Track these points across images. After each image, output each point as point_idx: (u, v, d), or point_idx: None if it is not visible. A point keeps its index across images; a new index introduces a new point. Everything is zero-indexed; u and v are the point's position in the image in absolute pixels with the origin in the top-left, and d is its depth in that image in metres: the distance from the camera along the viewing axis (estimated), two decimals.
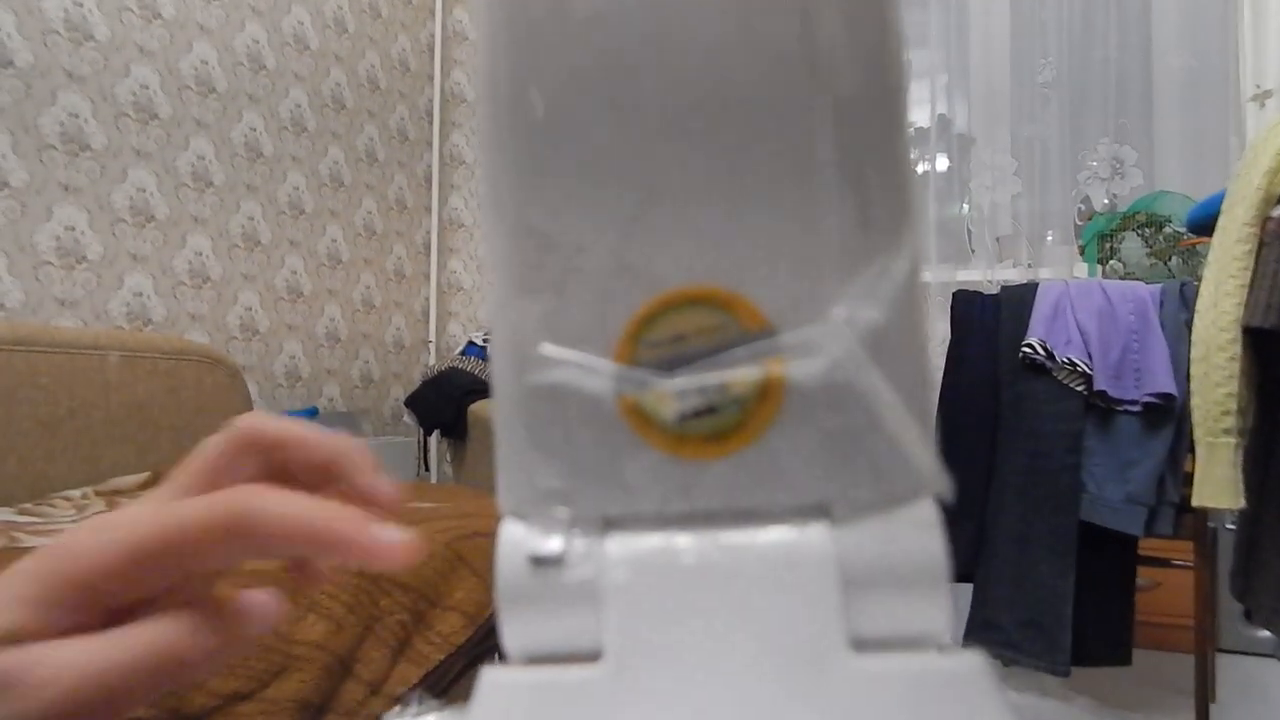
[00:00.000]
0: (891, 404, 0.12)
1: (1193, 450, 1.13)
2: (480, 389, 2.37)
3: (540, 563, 0.12)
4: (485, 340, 2.67)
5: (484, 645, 1.01)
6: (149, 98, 2.16)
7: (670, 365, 0.12)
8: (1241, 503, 1.06)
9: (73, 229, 1.98)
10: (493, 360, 0.13)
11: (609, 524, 0.12)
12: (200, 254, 2.31)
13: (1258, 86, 2.24)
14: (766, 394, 0.12)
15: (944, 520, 0.12)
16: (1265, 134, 1.07)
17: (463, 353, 2.70)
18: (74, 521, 1.22)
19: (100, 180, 2.04)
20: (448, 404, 2.31)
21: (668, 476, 0.12)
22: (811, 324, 0.12)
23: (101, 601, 0.21)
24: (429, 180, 3.32)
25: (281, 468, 0.25)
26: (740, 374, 0.12)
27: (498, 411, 0.13)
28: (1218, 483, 1.07)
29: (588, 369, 0.12)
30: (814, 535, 0.12)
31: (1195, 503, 1.11)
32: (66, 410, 1.53)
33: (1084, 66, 2.54)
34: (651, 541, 0.12)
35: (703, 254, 0.12)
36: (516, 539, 0.13)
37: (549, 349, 0.12)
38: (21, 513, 1.28)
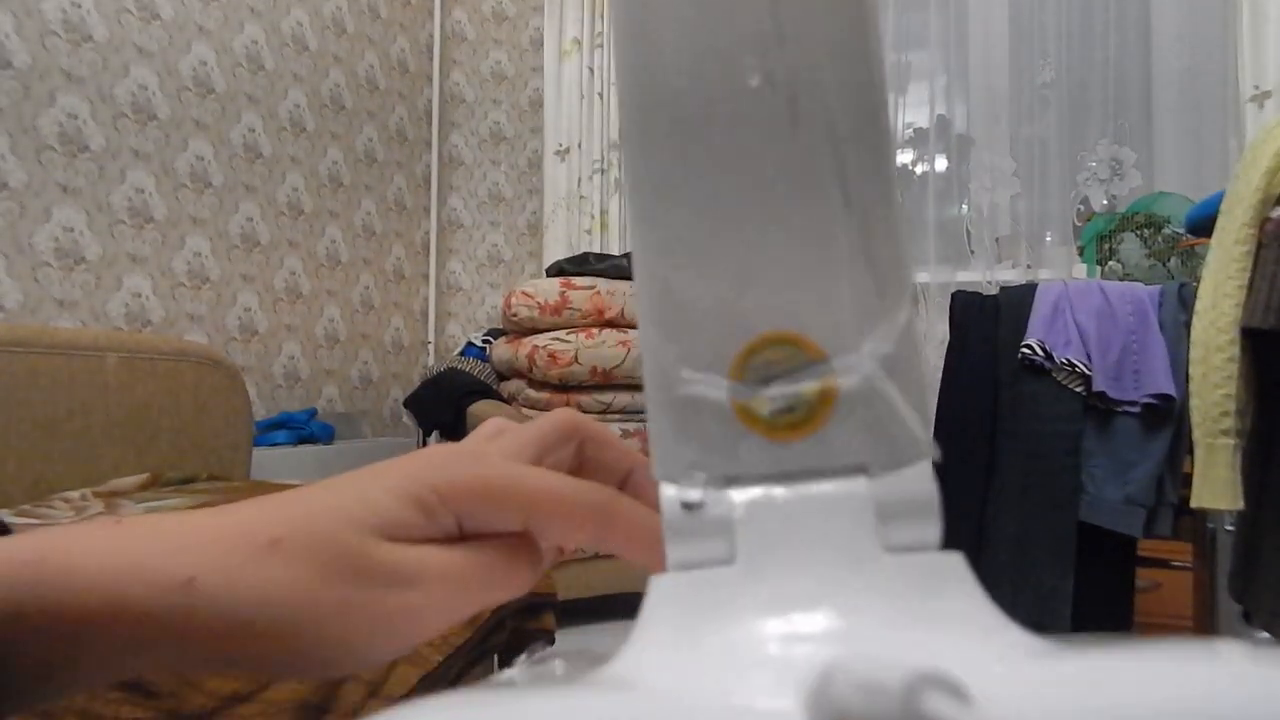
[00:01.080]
0: (901, 402, 0.19)
1: (1192, 451, 1.13)
2: (479, 390, 2.36)
3: (689, 507, 0.20)
4: (484, 341, 2.67)
5: (483, 647, 1.01)
6: (148, 99, 2.16)
7: (765, 381, 0.20)
8: (1240, 504, 1.06)
9: (71, 230, 1.98)
10: (645, 378, 0.20)
11: (729, 481, 0.20)
12: (199, 255, 2.31)
13: (1256, 87, 2.24)
14: (824, 398, 0.19)
15: (938, 477, 0.20)
16: (1264, 135, 1.07)
17: (462, 353, 2.70)
18: (73, 523, 1.22)
19: (99, 181, 2.04)
20: (447, 405, 2.31)
21: (765, 451, 0.20)
22: (850, 354, 0.19)
23: (456, 521, 0.24)
24: (428, 181, 3.32)
25: (585, 459, 0.29)
26: (808, 386, 0.19)
27: (651, 413, 0.20)
28: (1217, 484, 1.07)
29: (712, 385, 0.20)
30: (857, 485, 0.19)
31: (1194, 504, 1.11)
32: (65, 411, 1.53)
33: (1083, 67, 2.55)
34: (758, 491, 0.19)
35: (782, 310, 0.19)
36: (672, 494, 0.20)
37: (686, 373, 0.20)
38: (20, 514, 1.27)
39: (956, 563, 0.18)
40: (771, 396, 0.19)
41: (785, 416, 0.19)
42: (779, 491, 0.19)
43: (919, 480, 0.19)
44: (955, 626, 0.17)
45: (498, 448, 0.26)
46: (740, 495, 0.19)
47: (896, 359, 0.19)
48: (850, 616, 0.18)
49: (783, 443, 0.19)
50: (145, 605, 0.22)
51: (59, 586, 0.21)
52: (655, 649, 0.18)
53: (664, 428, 0.20)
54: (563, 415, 0.29)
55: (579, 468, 0.29)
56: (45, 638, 0.21)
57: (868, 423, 0.19)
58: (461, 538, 0.25)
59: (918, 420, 0.19)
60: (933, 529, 0.19)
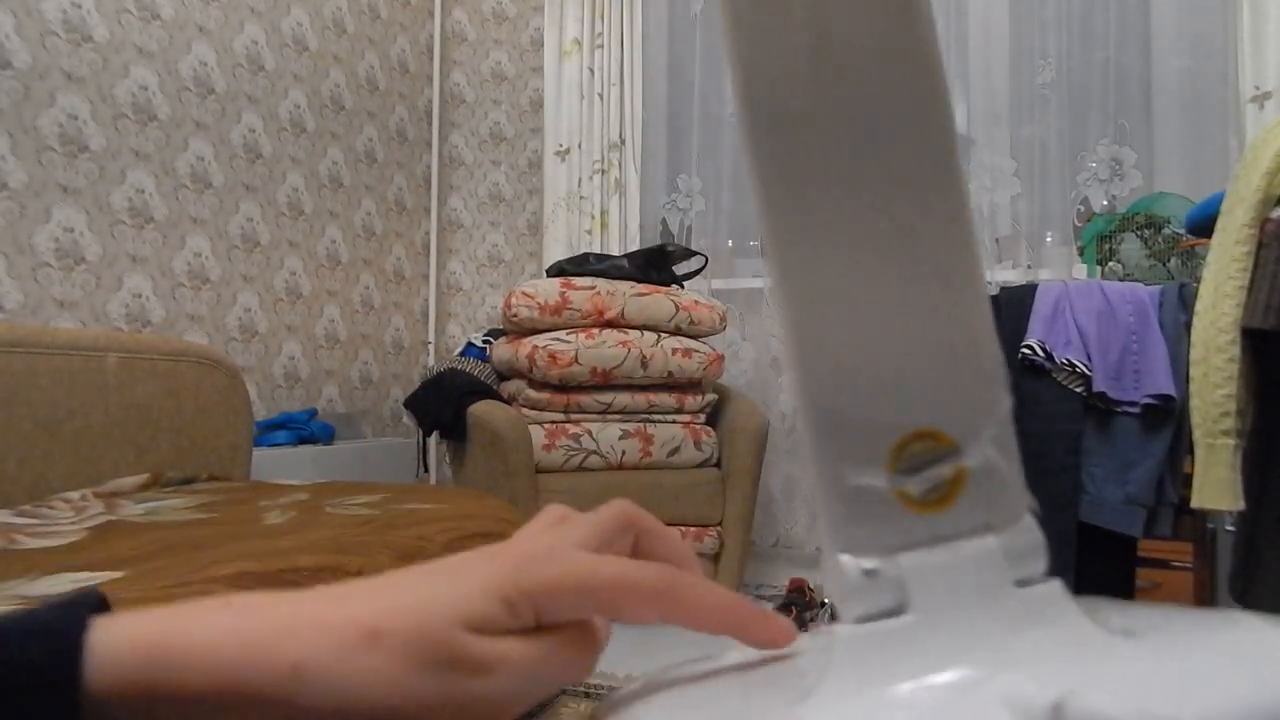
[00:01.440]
0: (1010, 472, 0.25)
1: (1192, 451, 1.13)
2: (479, 390, 2.36)
3: (869, 573, 0.24)
4: (484, 342, 2.67)
5: None
6: (148, 99, 2.17)
7: (913, 469, 0.25)
8: (1240, 504, 1.06)
9: (71, 230, 1.98)
10: (815, 473, 0.25)
11: (895, 550, 0.25)
12: (199, 255, 2.31)
13: (1257, 88, 2.24)
14: (958, 478, 0.25)
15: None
16: (1264, 135, 1.07)
17: (462, 353, 2.70)
18: (73, 524, 1.22)
19: (99, 181, 2.04)
20: (447, 405, 2.31)
21: (919, 523, 0.25)
22: (974, 441, 0.25)
23: (537, 613, 0.27)
24: (428, 181, 3.32)
25: (638, 552, 0.32)
26: (946, 470, 0.25)
27: (823, 500, 0.25)
28: (1217, 484, 1.07)
29: (875, 477, 0.25)
30: (988, 541, 0.25)
31: (1195, 504, 1.11)
32: (65, 412, 1.53)
33: (1084, 67, 2.55)
34: (918, 555, 0.25)
35: (921, 413, 0.25)
36: (850, 562, 0.25)
37: (852, 469, 0.25)
38: (21, 514, 1.27)
39: (1059, 589, 0.25)
40: (920, 481, 0.25)
41: (931, 495, 0.25)
42: (934, 553, 0.25)
43: (1029, 530, 0.25)
44: (1078, 650, 0.24)
45: (565, 540, 0.29)
46: (906, 559, 0.24)
47: (1004, 439, 0.25)
48: (1007, 653, 0.23)
49: (931, 515, 0.25)
50: (255, 686, 0.24)
51: (179, 666, 0.24)
52: (861, 692, 0.23)
53: (838, 512, 0.25)
54: (621, 508, 0.31)
55: (632, 558, 0.31)
56: (165, 711, 0.24)
57: (989, 492, 0.25)
58: (537, 628, 0.27)
59: (1020, 482, 0.25)
60: (1042, 563, 0.25)
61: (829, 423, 0.25)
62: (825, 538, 0.25)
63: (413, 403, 2.51)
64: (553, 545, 0.29)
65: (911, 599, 0.24)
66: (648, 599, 0.28)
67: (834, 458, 0.25)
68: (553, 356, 2.18)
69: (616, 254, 2.74)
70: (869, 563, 0.24)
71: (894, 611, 0.24)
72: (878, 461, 0.24)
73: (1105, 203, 2.50)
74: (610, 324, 2.31)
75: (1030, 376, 1.69)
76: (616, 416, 2.29)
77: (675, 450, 2.28)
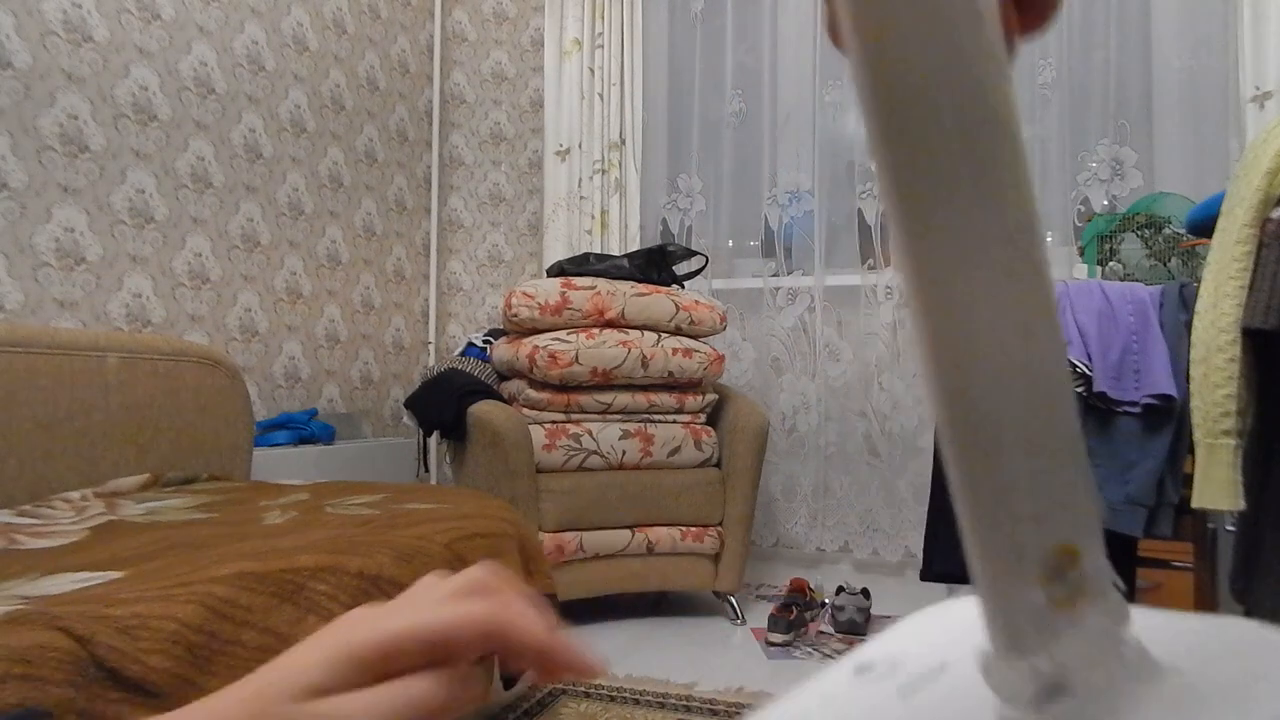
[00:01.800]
0: (1107, 565, 0.30)
1: (1192, 451, 1.13)
2: (479, 390, 2.36)
3: (1034, 668, 0.28)
4: (485, 341, 2.67)
5: None
6: (148, 99, 2.17)
7: (1055, 579, 0.29)
8: (1241, 504, 1.06)
9: (72, 230, 1.98)
10: (990, 591, 0.30)
11: (1050, 644, 0.29)
12: (200, 255, 2.31)
13: (1257, 88, 2.24)
14: (1082, 579, 0.29)
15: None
16: (1264, 135, 1.07)
17: (462, 353, 2.70)
18: (73, 523, 1.22)
19: (99, 181, 2.04)
20: (447, 405, 2.31)
21: (1063, 618, 0.29)
22: (1089, 549, 0.30)
23: (376, 669, 0.29)
24: (428, 181, 3.32)
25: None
26: (1075, 575, 0.29)
27: (996, 613, 0.30)
28: (1217, 484, 1.07)
29: (1034, 591, 0.29)
30: (1103, 618, 0.29)
31: (1195, 504, 1.11)
32: (66, 412, 1.53)
33: (1084, 68, 2.55)
34: (1066, 644, 0.29)
35: (1063, 533, 0.29)
36: (1024, 665, 0.29)
37: (1018, 588, 0.29)
38: (21, 514, 1.27)
39: (1137, 639, 0.30)
40: (1062, 587, 0.30)
41: (1071, 598, 0.30)
42: (1074, 641, 0.30)
43: (1118, 597, 0.31)
44: (1197, 702, 0.28)
45: (418, 598, 0.32)
46: (1058, 650, 0.30)
47: (1101, 538, 0.31)
48: (1148, 713, 0.28)
49: (1073, 612, 0.30)
50: None
51: None
52: None
53: (1008, 623, 0.30)
54: (479, 571, 0.34)
55: None
56: None
57: (1100, 581, 0.31)
58: (391, 676, 0.30)
59: (1110, 567, 0.31)
60: (1127, 617, 0.31)
61: (999, 559, 0.30)
62: (995, 641, 0.31)
63: (413, 403, 2.51)
64: (401, 603, 0.32)
65: (1069, 683, 0.29)
66: (477, 635, 0.30)
67: (1005, 581, 0.30)
68: (553, 356, 2.18)
69: (617, 254, 2.74)
70: (1036, 660, 0.29)
71: (1055, 693, 0.29)
72: (1036, 578, 0.30)
73: (1105, 203, 2.50)
74: (610, 324, 2.31)
75: None
76: (617, 416, 2.29)
77: (675, 450, 2.28)
